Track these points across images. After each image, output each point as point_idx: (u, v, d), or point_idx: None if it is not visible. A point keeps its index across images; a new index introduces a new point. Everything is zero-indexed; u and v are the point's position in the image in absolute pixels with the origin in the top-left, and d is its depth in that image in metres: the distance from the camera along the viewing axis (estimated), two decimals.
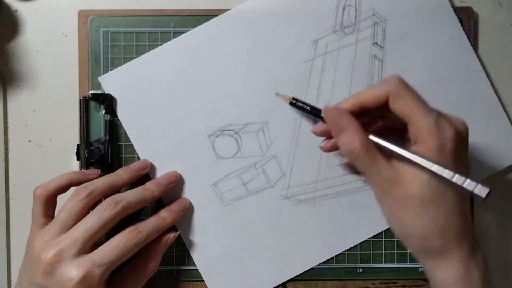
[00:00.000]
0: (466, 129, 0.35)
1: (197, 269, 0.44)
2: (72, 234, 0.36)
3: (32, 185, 0.39)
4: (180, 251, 0.44)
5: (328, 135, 0.40)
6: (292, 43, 0.43)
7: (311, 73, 0.44)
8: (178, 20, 0.44)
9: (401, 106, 0.34)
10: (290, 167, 0.44)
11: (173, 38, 0.43)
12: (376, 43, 0.44)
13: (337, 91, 0.43)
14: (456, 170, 0.32)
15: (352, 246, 0.44)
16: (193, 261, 0.44)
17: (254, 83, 0.43)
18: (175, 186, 0.43)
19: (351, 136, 0.35)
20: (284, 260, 0.44)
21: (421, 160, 0.32)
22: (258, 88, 0.43)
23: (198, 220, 0.44)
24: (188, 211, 0.43)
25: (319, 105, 0.43)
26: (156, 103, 0.43)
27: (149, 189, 0.41)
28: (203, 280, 0.44)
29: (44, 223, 0.38)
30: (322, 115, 0.38)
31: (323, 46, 0.43)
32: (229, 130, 0.43)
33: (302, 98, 0.43)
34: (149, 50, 0.43)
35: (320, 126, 0.39)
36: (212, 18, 0.43)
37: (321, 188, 0.44)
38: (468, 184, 0.32)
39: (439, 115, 0.34)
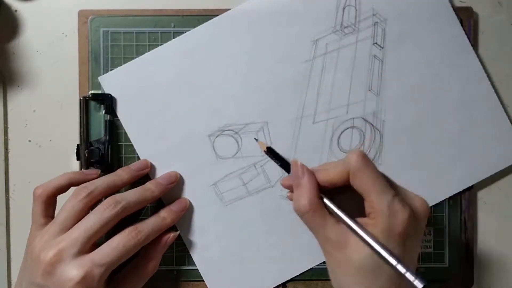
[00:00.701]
0: (425, 210, 0.35)
1: (197, 269, 0.44)
2: (72, 234, 0.36)
3: (32, 185, 0.39)
4: (180, 251, 0.44)
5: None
6: (292, 43, 0.43)
7: (311, 73, 0.44)
8: (178, 20, 0.44)
9: (359, 184, 0.34)
10: None
11: (173, 38, 0.43)
12: (376, 43, 0.44)
13: (337, 91, 0.43)
14: (402, 252, 0.33)
15: None
16: (193, 261, 0.44)
17: (254, 83, 0.43)
18: (175, 186, 0.43)
19: (303, 194, 0.35)
20: (284, 260, 0.44)
21: (368, 238, 0.33)
22: (258, 88, 0.43)
23: (198, 220, 0.44)
24: (188, 211, 0.43)
25: (319, 107, 0.44)
26: (156, 103, 0.43)
27: (149, 189, 0.41)
28: (203, 280, 0.44)
29: (44, 223, 0.38)
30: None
31: (323, 46, 0.43)
32: (229, 130, 0.43)
33: (301, 98, 0.43)
34: (149, 50, 0.43)
35: (286, 180, 0.40)
36: (212, 18, 0.43)
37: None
38: (408, 275, 0.32)
39: (395, 196, 0.34)
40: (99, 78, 0.43)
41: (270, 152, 0.41)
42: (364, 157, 0.35)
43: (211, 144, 0.43)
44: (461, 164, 0.44)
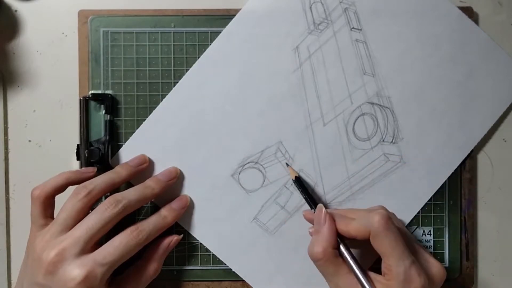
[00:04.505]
0: (442, 277, 0.37)
1: (197, 269, 0.44)
2: (74, 233, 0.36)
3: (32, 185, 0.39)
4: (180, 251, 0.44)
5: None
6: (276, 59, 0.43)
7: (303, 79, 0.44)
8: (178, 20, 0.44)
9: (379, 245, 0.36)
10: (319, 175, 0.44)
11: (173, 38, 0.43)
12: (353, 27, 0.44)
13: (334, 87, 0.44)
14: None
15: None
16: (193, 260, 0.44)
17: (255, 110, 0.43)
18: (175, 182, 0.42)
19: (319, 242, 0.37)
20: None
21: None
22: (260, 113, 0.43)
23: (253, 258, 0.43)
24: (241, 253, 0.43)
25: (324, 108, 0.44)
26: (169, 163, 0.43)
27: (149, 186, 0.41)
28: (203, 280, 0.44)
29: (44, 224, 0.38)
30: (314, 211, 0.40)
31: (305, 50, 0.43)
32: (248, 163, 0.43)
33: (304, 106, 0.43)
34: (149, 50, 0.43)
35: (308, 213, 0.42)
36: (212, 18, 0.43)
37: (355, 183, 0.44)
38: None
39: (413, 263, 0.35)
40: (111, 163, 0.43)
41: (298, 182, 0.42)
42: (387, 220, 0.35)
43: (237, 182, 0.43)
44: (470, 115, 0.44)
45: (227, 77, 0.43)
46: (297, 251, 0.43)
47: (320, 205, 0.39)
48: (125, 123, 0.43)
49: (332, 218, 0.38)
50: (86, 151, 0.42)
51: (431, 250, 0.44)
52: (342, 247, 0.37)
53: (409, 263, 0.35)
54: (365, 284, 0.35)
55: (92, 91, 0.43)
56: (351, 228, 0.37)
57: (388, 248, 0.35)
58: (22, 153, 0.44)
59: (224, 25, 0.43)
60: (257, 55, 0.43)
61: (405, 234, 0.37)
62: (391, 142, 0.44)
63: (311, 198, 0.41)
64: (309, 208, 0.41)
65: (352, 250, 0.38)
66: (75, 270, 0.35)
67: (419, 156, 0.44)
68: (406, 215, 0.44)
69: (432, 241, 0.44)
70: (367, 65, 0.44)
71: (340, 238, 0.38)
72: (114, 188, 0.40)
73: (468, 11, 0.44)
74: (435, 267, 0.37)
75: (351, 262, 0.36)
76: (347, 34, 0.44)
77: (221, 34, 0.43)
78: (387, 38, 0.44)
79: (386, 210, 0.38)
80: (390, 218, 0.36)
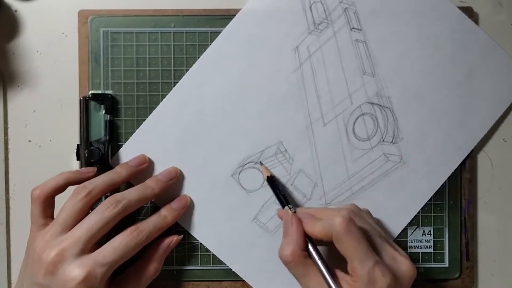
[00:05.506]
0: (411, 275, 0.36)
1: (197, 269, 0.44)
2: (74, 233, 0.36)
3: (32, 185, 0.39)
4: (180, 251, 0.44)
5: None
6: (276, 59, 0.43)
7: (303, 79, 0.44)
8: (178, 20, 0.44)
9: (341, 248, 0.35)
10: (319, 175, 0.44)
11: (173, 38, 0.43)
12: (353, 27, 0.44)
13: (334, 87, 0.44)
14: None
15: (403, 227, 0.44)
16: (193, 260, 0.44)
17: (255, 110, 0.43)
18: (175, 182, 0.42)
19: (287, 245, 0.37)
20: None
21: None
22: (260, 113, 0.43)
23: (253, 258, 0.43)
24: (241, 253, 0.43)
25: (324, 108, 0.44)
26: (169, 164, 0.43)
27: (149, 186, 0.41)
28: (203, 280, 0.44)
29: (44, 224, 0.38)
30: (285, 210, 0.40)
31: (305, 50, 0.44)
32: (248, 163, 0.43)
33: (304, 106, 0.43)
34: (149, 50, 0.43)
35: (280, 212, 0.42)
36: (212, 18, 0.43)
37: (355, 183, 0.44)
38: None
39: (376, 263, 0.34)
40: (111, 163, 0.43)
41: (270, 182, 0.42)
42: (348, 222, 0.35)
43: (237, 182, 0.43)
44: (470, 115, 0.44)
45: (227, 77, 0.43)
46: None
47: (286, 207, 0.40)
48: (125, 123, 0.44)
49: (299, 220, 0.38)
50: (86, 151, 0.42)
51: (431, 250, 0.44)
52: (310, 248, 0.37)
53: (372, 264, 0.34)
54: (331, 284, 0.35)
55: (92, 91, 0.43)
56: (316, 230, 0.37)
57: (350, 251, 0.35)
58: (22, 153, 0.44)
59: (224, 25, 0.43)
60: (257, 55, 0.43)
61: (368, 233, 0.37)
62: (391, 142, 0.44)
63: (284, 197, 0.41)
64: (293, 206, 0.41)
65: (330, 250, 0.38)
66: (75, 270, 0.35)
67: (419, 156, 0.44)
68: (406, 215, 0.44)
69: (432, 241, 0.44)
70: (367, 65, 0.44)
71: (309, 238, 0.37)
72: (114, 188, 0.40)
73: (468, 11, 0.44)
74: (404, 265, 0.36)
75: (319, 262, 0.36)
76: (347, 34, 0.44)
77: (221, 34, 0.43)
78: (387, 38, 0.44)
79: (352, 209, 0.38)
80: (351, 220, 0.35)
